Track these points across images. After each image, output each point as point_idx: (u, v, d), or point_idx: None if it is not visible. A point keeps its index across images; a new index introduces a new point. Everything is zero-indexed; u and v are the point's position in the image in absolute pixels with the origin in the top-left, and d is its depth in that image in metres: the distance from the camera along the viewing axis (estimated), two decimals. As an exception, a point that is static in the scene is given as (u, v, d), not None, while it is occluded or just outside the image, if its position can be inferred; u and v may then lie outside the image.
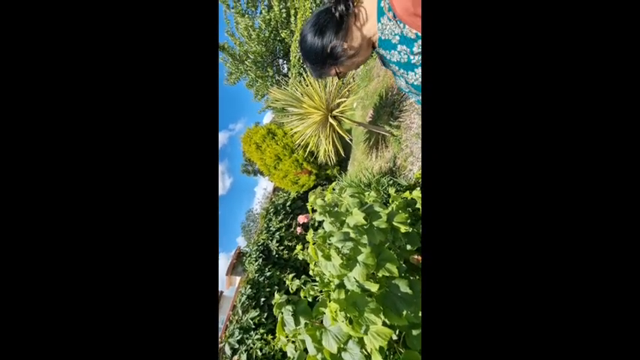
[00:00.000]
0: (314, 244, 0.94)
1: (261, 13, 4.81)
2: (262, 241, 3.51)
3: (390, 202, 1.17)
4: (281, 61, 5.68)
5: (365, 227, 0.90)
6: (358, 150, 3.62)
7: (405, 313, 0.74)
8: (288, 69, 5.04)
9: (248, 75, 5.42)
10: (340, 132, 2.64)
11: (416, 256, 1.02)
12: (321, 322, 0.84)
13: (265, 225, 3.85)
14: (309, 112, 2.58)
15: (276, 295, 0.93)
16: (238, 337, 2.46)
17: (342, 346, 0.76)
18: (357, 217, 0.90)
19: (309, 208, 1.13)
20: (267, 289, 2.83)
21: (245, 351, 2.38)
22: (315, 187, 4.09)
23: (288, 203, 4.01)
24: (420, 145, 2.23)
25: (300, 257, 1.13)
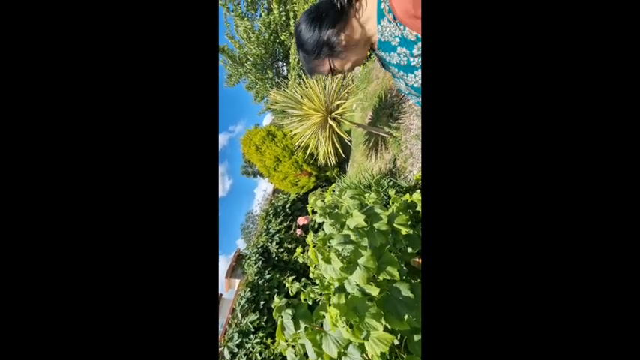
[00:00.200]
0: (314, 246, 0.93)
1: (260, 16, 4.84)
2: (262, 243, 3.50)
3: (391, 203, 1.16)
4: (280, 63, 5.71)
5: (365, 229, 0.89)
6: (358, 152, 3.62)
7: (406, 317, 0.74)
8: (288, 71, 5.06)
9: (248, 77, 5.44)
10: (340, 133, 2.65)
11: (417, 259, 1.01)
12: (322, 325, 0.83)
13: (265, 227, 3.84)
14: (308, 114, 2.58)
15: (276, 299, 0.92)
16: (237, 341, 2.44)
17: (342, 350, 0.75)
18: (357, 219, 0.90)
19: (308, 210, 1.12)
20: (267, 292, 2.81)
21: (244, 355, 2.37)
22: (314, 188, 4.08)
23: (288, 205, 4.00)
24: (419, 147, 2.23)
25: (300, 260, 1.12)
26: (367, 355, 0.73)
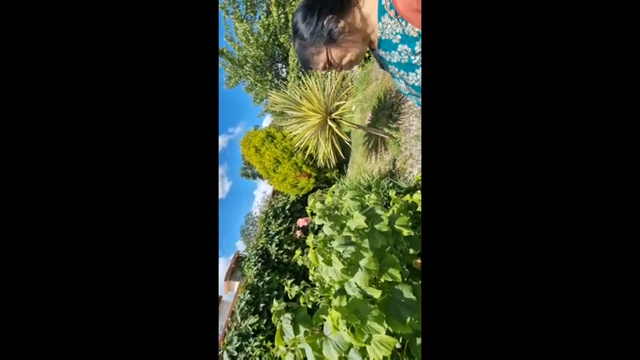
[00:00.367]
0: (314, 248, 0.93)
1: (259, 18, 4.86)
2: (261, 245, 3.49)
3: (391, 204, 1.16)
4: (280, 65, 5.72)
5: (366, 231, 0.88)
6: (357, 153, 3.62)
7: (408, 320, 0.73)
8: (287, 73, 5.07)
9: (247, 79, 5.45)
10: (339, 134, 2.65)
11: (418, 261, 1.00)
12: (322, 329, 0.82)
13: (264, 229, 3.83)
14: (308, 115, 2.58)
15: (275, 303, 0.91)
16: (237, 345, 2.42)
17: (343, 355, 0.74)
18: (358, 221, 0.89)
19: (308, 211, 1.12)
20: (267, 295, 2.79)
21: (244, 359, 2.34)
22: (314, 190, 4.08)
23: (288, 206, 3.99)
24: (419, 148, 2.23)
25: (300, 263, 1.11)
26: (369, 359, 0.72)
